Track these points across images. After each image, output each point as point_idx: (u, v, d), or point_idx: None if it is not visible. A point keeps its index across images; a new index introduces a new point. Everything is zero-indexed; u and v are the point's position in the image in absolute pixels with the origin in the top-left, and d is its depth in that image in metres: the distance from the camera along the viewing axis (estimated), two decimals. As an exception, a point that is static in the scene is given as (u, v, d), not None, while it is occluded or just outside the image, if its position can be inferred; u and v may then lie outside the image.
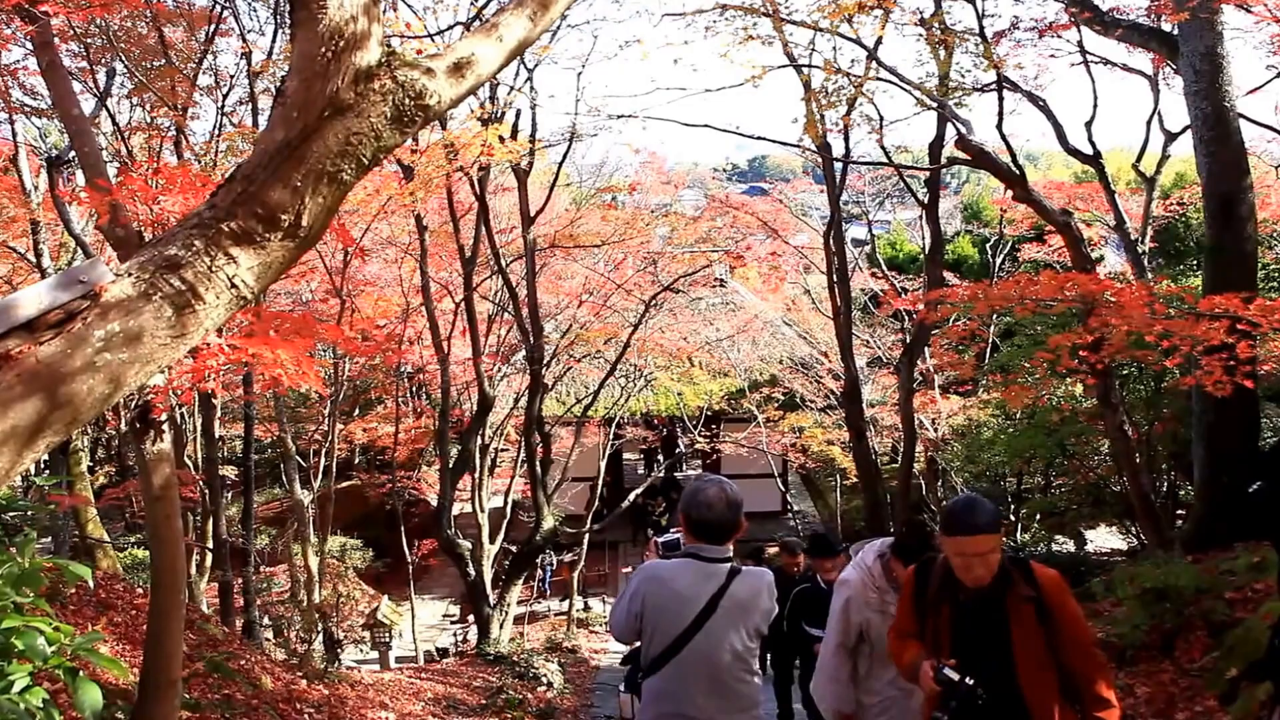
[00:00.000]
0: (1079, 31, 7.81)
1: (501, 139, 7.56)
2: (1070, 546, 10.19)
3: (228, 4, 7.21)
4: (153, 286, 1.28)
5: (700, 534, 2.24)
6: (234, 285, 1.36)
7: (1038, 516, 10.83)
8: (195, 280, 1.31)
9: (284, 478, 10.99)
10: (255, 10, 11.02)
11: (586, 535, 11.48)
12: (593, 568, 13.43)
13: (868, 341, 13.33)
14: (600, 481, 12.18)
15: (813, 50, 8.53)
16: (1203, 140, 5.86)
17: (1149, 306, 4.91)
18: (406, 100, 1.46)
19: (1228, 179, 5.82)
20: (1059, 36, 8.11)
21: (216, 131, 7.93)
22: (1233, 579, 4.35)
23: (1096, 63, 8.36)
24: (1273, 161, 9.68)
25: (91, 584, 4.83)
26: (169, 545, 3.16)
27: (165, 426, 3.10)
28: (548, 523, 9.41)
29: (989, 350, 12.92)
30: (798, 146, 8.80)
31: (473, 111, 8.19)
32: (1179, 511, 7.97)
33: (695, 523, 2.23)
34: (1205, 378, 4.91)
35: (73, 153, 6.12)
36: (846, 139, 9.19)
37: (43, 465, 9.39)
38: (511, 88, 8.71)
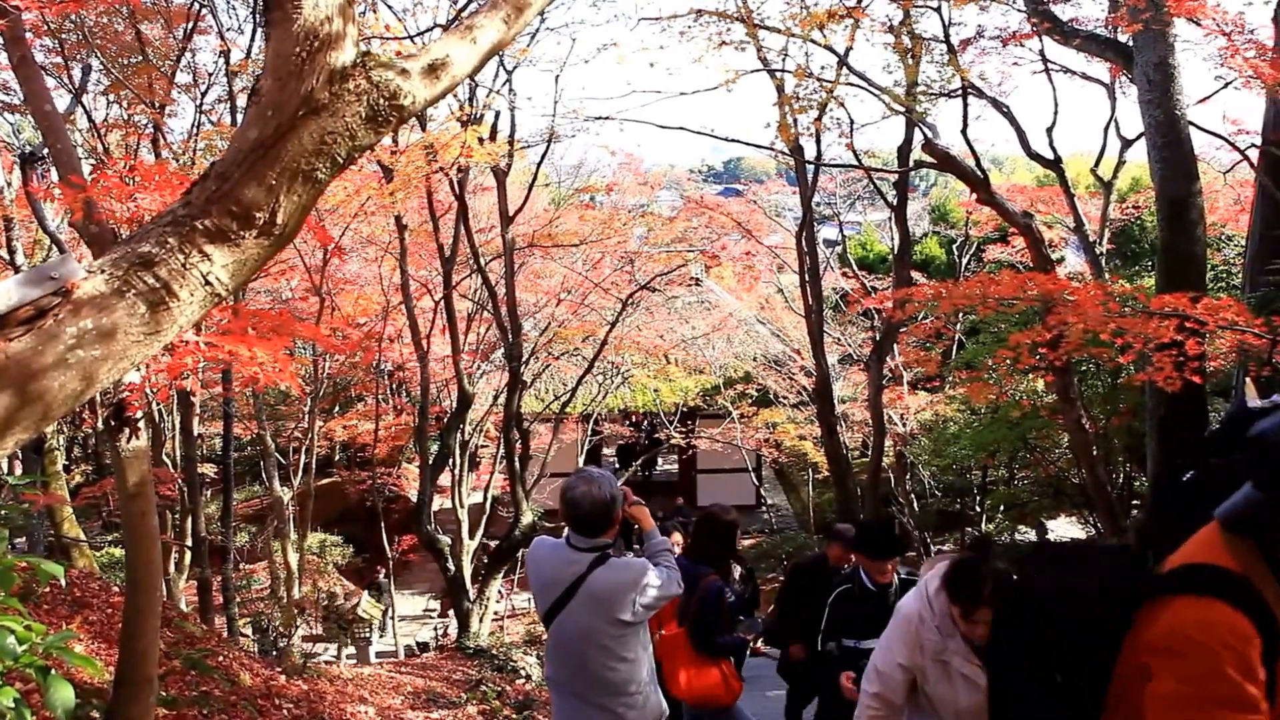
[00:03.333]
0: (1041, 41, 8.03)
1: (481, 140, 7.63)
2: (1032, 536, 10.53)
3: (206, 2, 7.18)
4: (126, 283, 1.27)
5: (570, 524, 2.36)
6: (208, 282, 1.36)
7: (1001, 508, 11.14)
8: (169, 277, 1.30)
9: (263, 475, 10.96)
10: (234, 8, 10.96)
11: (565, 530, 11.57)
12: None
13: (839, 339, 13.55)
14: (579, 478, 12.25)
15: (785, 55, 8.72)
16: (1156, 146, 6.07)
17: (1104, 305, 5.04)
18: (381, 100, 1.45)
19: (1179, 184, 6.03)
20: (1022, 45, 8.34)
21: (195, 129, 7.91)
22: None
23: (1057, 71, 8.60)
24: (1221, 168, 10.02)
25: (64, 582, 4.80)
26: (145, 543, 3.14)
27: (141, 424, 3.11)
28: (526, 518, 9.48)
29: (955, 348, 13.22)
30: (771, 149, 8.97)
31: (452, 113, 8.25)
32: (1134, 501, 8.25)
33: (566, 514, 2.35)
34: (1157, 374, 5.05)
35: (47, 149, 6.07)
36: (818, 142, 9.41)
37: (18, 463, 9.29)
38: (491, 90, 8.77)
